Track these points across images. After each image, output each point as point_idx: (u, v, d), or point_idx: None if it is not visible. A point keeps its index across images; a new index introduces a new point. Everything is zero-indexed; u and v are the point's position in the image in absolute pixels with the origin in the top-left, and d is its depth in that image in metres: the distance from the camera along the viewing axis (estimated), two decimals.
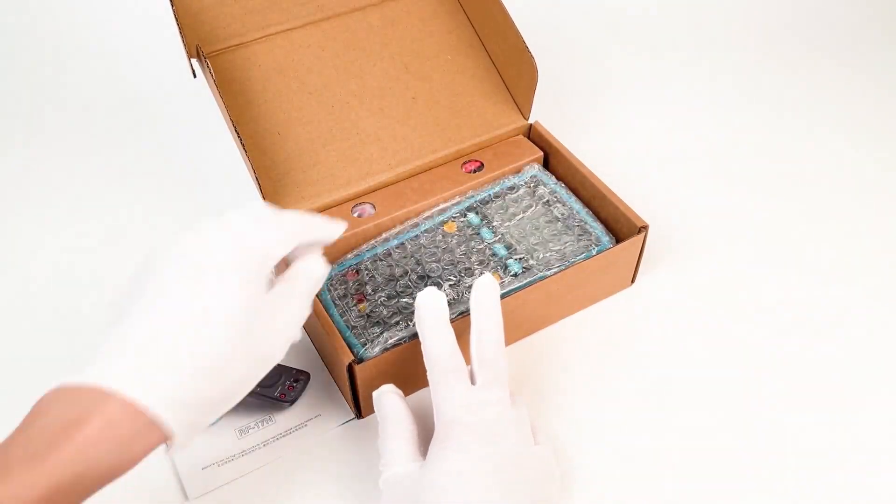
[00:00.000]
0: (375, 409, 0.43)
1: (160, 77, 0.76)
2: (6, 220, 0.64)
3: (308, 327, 0.52)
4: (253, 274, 0.36)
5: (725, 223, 0.62)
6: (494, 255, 0.52)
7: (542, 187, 0.56)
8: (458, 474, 0.38)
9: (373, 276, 0.51)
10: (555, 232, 0.53)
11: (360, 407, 0.47)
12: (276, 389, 0.48)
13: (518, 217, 0.54)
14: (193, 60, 0.55)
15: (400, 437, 0.41)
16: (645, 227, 0.51)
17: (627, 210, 0.52)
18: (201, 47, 0.52)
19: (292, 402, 0.48)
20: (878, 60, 0.82)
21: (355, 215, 0.54)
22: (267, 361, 0.36)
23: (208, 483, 0.45)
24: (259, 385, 0.48)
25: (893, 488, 0.44)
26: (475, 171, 0.57)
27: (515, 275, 0.50)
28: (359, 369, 0.44)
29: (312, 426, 0.47)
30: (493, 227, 0.53)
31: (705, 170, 0.67)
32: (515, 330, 0.51)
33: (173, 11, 0.51)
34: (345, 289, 0.51)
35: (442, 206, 0.55)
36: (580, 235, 0.52)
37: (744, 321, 0.54)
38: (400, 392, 0.43)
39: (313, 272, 0.39)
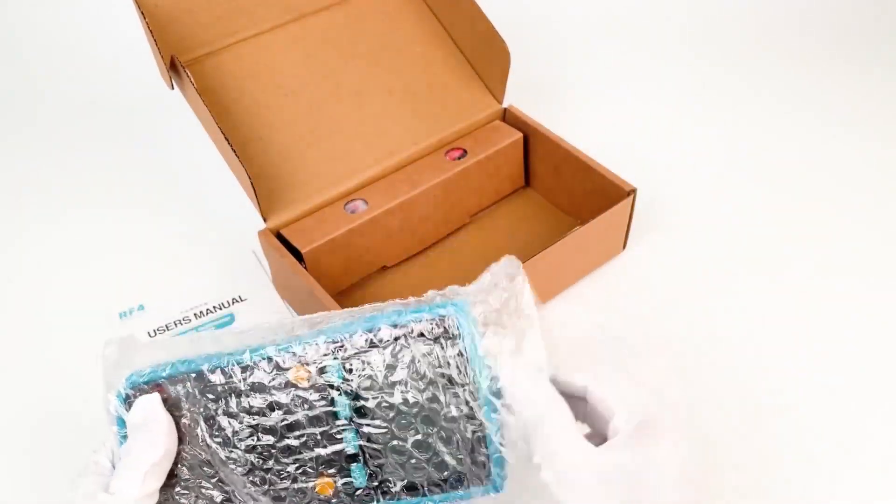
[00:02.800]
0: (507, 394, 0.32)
1: (130, 91, 0.77)
2: None
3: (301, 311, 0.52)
4: None
5: (710, 192, 0.65)
6: (338, 449, 0.33)
7: (447, 347, 0.31)
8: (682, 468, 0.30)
9: (187, 412, 0.34)
10: (430, 437, 0.32)
11: None
12: None
13: (397, 390, 0.32)
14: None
15: (565, 413, 0.30)
16: (633, 191, 0.53)
17: (614, 177, 0.54)
18: (178, 58, 0.51)
19: None
20: (858, 40, 0.87)
21: (349, 212, 0.54)
22: None
23: None
24: None
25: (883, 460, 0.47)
26: (459, 159, 0.58)
27: (352, 492, 0.33)
28: None
29: None
30: (355, 400, 0.32)
31: (686, 142, 0.70)
32: None
33: (145, 24, 0.50)
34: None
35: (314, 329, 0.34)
36: (460, 458, 0.32)
37: (733, 283, 0.56)
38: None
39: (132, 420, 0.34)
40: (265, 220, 0.52)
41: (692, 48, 0.84)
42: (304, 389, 0.33)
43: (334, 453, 0.33)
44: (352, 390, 0.32)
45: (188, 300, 0.56)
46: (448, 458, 0.32)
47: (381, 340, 0.32)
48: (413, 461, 0.33)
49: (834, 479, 0.44)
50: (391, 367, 0.32)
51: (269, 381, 0.33)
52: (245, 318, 0.54)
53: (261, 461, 0.34)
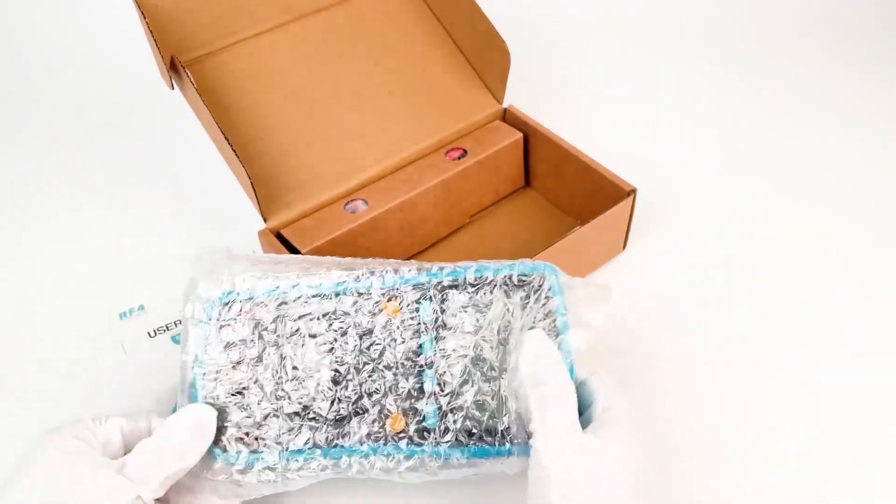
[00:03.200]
0: (527, 354, 0.35)
1: (129, 91, 0.77)
2: None
3: None
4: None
5: (710, 192, 0.64)
6: (419, 382, 0.35)
7: (546, 299, 0.36)
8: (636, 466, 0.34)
9: (268, 333, 0.36)
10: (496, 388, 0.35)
11: None
12: None
13: (479, 338, 0.35)
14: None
15: (564, 401, 0.34)
16: (633, 191, 0.53)
17: (614, 177, 0.54)
18: (178, 58, 0.51)
19: None
20: (856, 39, 0.87)
21: (349, 212, 0.54)
22: None
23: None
24: None
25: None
26: (459, 159, 0.58)
27: (424, 432, 0.35)
28: None
29: None
30: (439, 338, 0.35)
31: (686, 142, 0.70)
32: None
33: (145, 24, 0.50)
34: (227, 333, 0.36)
35: (413, 267, 0.39)
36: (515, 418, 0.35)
37: (733, 283, 0.56)
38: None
39: (178, 426, 0.36)
40: (265, 220, 0.52)
41: (692, 48, 0.84)
42: (395, 324, 0.36)
43: (412, 389, 0.35)
44: (438, 331, 0.35)
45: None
46: (511, 408, 0.35)
47: (473, 287, 0.36)
48: (479, 411, 0.35)
49: (834, 479, 0.44)
50: (478, 314, 0.35)
51: (361, 309, 0.36)
52: None
53: (339, 386, 0.35)
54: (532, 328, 0.35)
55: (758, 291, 0.56)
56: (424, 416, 0.35)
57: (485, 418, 0.35)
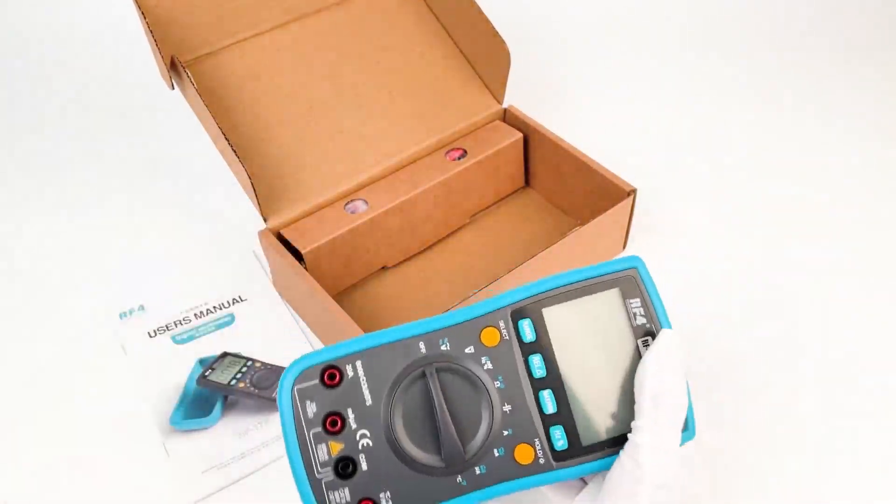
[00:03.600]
0: (655, 352, 0.33)
1: (130, 91, 0.77)
2: None
3: (308, 317, 0.52)
4: None
5: (710, 192, 0.65)
6: (539, 408, 0.33)
7: (636, 301, 0.34)
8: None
9: (360, 390, 0.32)
10: (628, 388, 0.34)
11: None
12: (274, 390, 0.48)
13: (588, 344, 0.34)
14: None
15: (678, 411, 0.32)
16: (633, 191, 0.53)
17: (614, 177, 0.54)
18: (178, 58, 0.51)
19: None
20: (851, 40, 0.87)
21: (349, 212, 0.54)
22: None
23: (208, 486, 0.44)
24: (256, 386, 0.49)
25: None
26: (459, 159, 0.58)
27: (553, 455, 0.32)
28: None
29: None
30: (549, 354, 0.33)
31: (687, 142, 0.70)
32: None
33: (145, 24, 0.50)
34: (314, 407, 0.32)
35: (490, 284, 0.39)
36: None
37: (733, 283, 0.56)
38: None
39: None
40: (265, 220, 0.52)
41: (692, 48, 0.84)
42: (496, 349, 0.33)
43: (527, 415, 0.33)
44: (545, 348, 0.33)
45: (188, 300, 0.56)
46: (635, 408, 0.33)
47: (564, 298, 0.34)
48: (603, 414, 0.33)
49: (834, 480, 0.44)
50: (581, 322, 0.33)
51: (465, 351, 0.33)
52: (245, 318, 0.55)
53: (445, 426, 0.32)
54: (662, 330, 0.34)
55: (758, 290, 0.56)
56: (553, 439, 0.33)
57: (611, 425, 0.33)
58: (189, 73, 0.50)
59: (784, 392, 0.49)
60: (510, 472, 0.32)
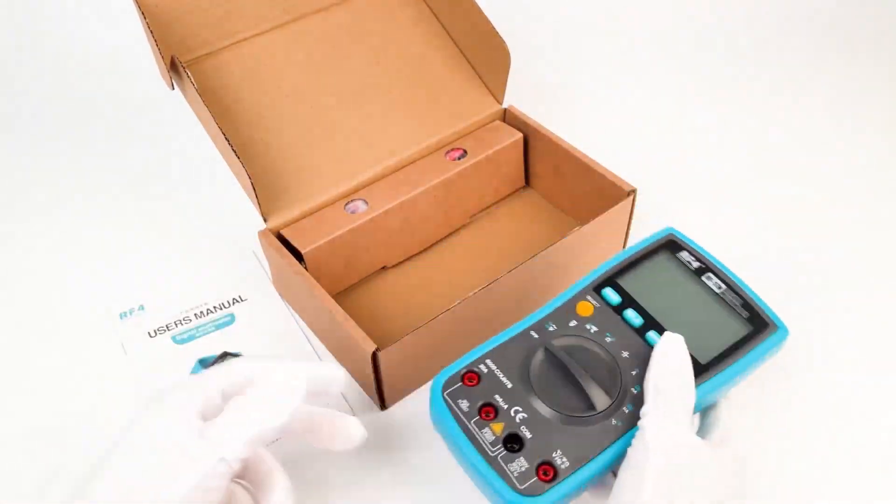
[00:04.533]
0: (661, 350, 0.37)
1: (130, 91, 0.77)
2: None
3: (308, 317, 0.52)
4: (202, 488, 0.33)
5: (711, 192, 0.65)
6: (649, 345, 0.40)
7: (685, 252, 0.44)
8: (737, 478, 0.36)
9: (498, 380, 0.39)
10: (713, 312, 0.41)
11: (383, 397, 0.47)
12: None
13: (664, 292, 0.42)
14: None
15: (684, 397, 0.36)
16: (633, 191, 0.53)
17: (614, 177, 0.54)
18: (178, 58, 0.51)
19: None
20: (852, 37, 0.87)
21: (349, 212, 0.54)
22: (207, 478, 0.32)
23: None
24: None
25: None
26: (459, 159, 0.58)
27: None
28: (383, 356, 0.44)
29: None
30: (638, 306, 0.41)
31: (687, 142, 0.71)
32: (508, 314, 0.52)
33: (145, 24, 0.50)
34: (466, 402, 0.38)
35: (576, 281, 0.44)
36: (747, 317, 0.41)
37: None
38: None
39: (286, 387, 0.35)
40: (265, 220, 0.52)
41: (691, 48, 0.84)
42: (593, 316, 0.41)
43: (646, 353, 0.39)
44: (634, 302, 0.41)
45: (188, 300, 0.56)
46: (730, 322, 0.41)
47: (629, 268, 0.43)
48: (705, 336, 0.40)
49: (833, 480, 0.44)
50: (651, 280, 0.42)
51: (569, 325, 0.41)
52: (245, 318, 0.55)
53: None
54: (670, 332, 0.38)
55: (758, 289, 0.55)
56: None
57: None
58: (189, 74, 0.50)
59: (782, 392, 0.49)
60: None
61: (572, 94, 0.77)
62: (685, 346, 0.37)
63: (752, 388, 0.49)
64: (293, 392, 0.35)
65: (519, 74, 0.62)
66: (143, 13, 0.50)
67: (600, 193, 0.56)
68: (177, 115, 0.65)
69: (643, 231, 0.59)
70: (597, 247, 0.55)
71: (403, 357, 0.45)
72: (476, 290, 0.47)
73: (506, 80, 0.60)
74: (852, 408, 0.48)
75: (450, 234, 0.60)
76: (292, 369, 0.36)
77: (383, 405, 0.48)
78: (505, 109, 0.62)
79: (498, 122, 0.61)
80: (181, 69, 0.51)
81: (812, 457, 0.46)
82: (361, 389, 0.50)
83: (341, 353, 0.50)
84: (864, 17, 0.88)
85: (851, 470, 0.45)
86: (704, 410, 0.40)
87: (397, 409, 0.49)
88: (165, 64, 0.51)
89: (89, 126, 0.75)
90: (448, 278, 0.57)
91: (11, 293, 0.58)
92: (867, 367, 0.50)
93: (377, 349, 0.43)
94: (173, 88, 0.53)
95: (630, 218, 0.55)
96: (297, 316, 0.55)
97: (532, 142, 0.60)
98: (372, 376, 0.45)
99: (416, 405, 0.49)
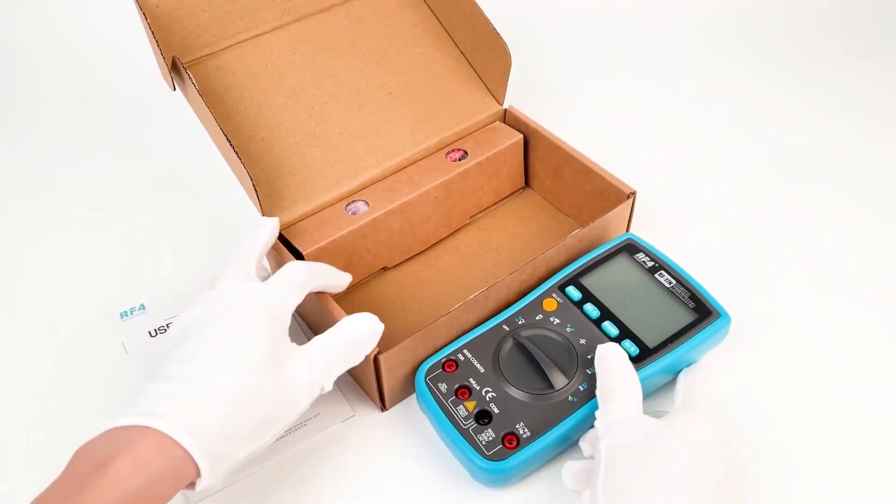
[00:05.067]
0: (598, 361, 0.43)
1: (131, 91, 0.77)
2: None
3: (309, 316, 0.53)
4: (275, 317, 0.40)
5: (712, 194, 0.65)
6: (605, 334, 0.47)
7: (641, 253, 0.51)
8: (707, 442, 0.38)
9: (474, 366, 0.46)
10: (663, 304, 0.48)
11: (383, 399, 0.48)
12: None
13: (620, 288, 0.49)
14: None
15: (627, 392, 0.41)
16: (633, 193, 0.53)
17: (614, 179, 0.54)
18: (179, 58, 0.51)
19: None
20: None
21: (349, 213, 0.54)
22: (293, 405, 0.39)
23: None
24: None
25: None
26: (460, 160, 0.58)
27: (634, 358, 0.45)
28: (384, 359, 0.44)
29: (311, 425, 0.48)
30: (597, 301, 0.48)
31: (687, 143, 0.71)
32: None
33: (147, 25, 0.50)
34: (445, 385, 0.45)
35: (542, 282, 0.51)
36: (693, 307, 0.48)
37: (734, 284, 0.56)
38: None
39: (357, 328, 0.42)
40: None
41: (692, 50, 0.84)
42: (557, 311, 0.48)
43: (600, 340, 0.46)
44: (593, 297, 0.49)
45: (189, 300, 0.56)
46: (677, 311, 0.48)
47: (592, 269, 0.50)
48: (654, 324, 0.47)
49: (832, 479, 0.45)
50: (610, 278, 0.50)
51: (536, 318, 0.48)
52: None
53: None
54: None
55: (759, 290, 0.56)
56: (627, 350, 0.46)
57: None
58: (190, 74, 0.50)
59: (780, 391, 0.49)
60: None
61: (573, 95, 0.77)
62: (620, 351, 0.43)
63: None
64: (372, 342, 0.43)
65: (519, 75, 0.62)
66: (144, 14, 0.50)
67: (600, 195, 0.56)
68: (177, 115, 0.65)
69: (643, 233, 0.59)
70: (596, 247, 0.55)
71: (403, 360, 0.46)
72: (476, 294, 0.47)
73: (506, 81, 0.60)
74: (849, 408, 0.49)
75: (450, 235, 0.60)
76: (372, 322, 0.43)
77: (384, 406, 0.48)
78: (505, 110, 0.62)
79: (498, 123, 0.62)
80: (182, 70, 0.51)
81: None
82: (362, 390, 0.50)
83: None
84: (866, 16, 0.88)
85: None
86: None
87: (397, 410, 0.49)
88: (167, 64, 0.51)
89: (89, 126, 0.75)
90: (448, 279, 0.57)
91: (12, 293, 0.59)
92: (868, 365, 0.51)
93: (378, 352, 0.44)
94: (175, 89, 0.53)
95: (630, 220, 0.56)
96: (296, 315, 0.55)
97: (532, 143, 0.61)
98: (373, 378, 0.46)
99: (417, 406, 0.49)
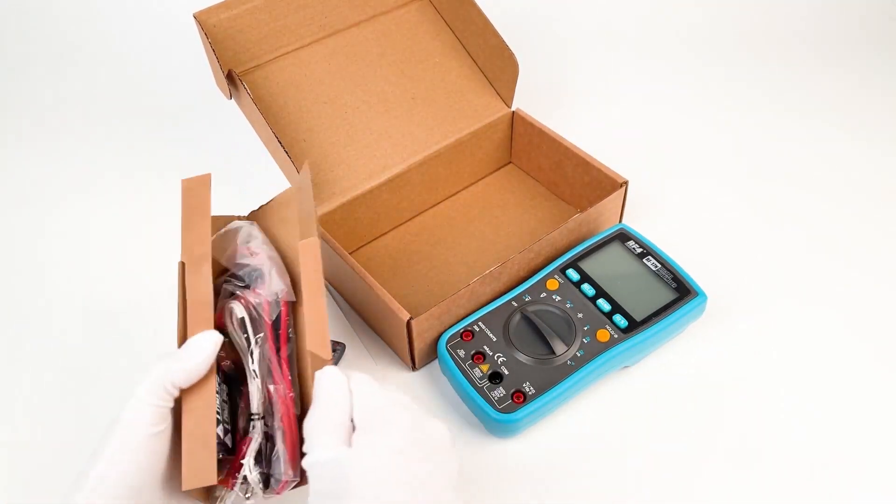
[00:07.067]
0: (315, 387, 0.39)
1: (142, 97, 0.82)
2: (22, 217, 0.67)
3: (349, 293, 0.61)
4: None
5: (707, 186, 0.70)
6: (599, 309, 0.55)
7: (632, 241, 0.59)
8: (396, 453, 0.36)
9: (487, 336, 0.54)
10: (649, 284, 0.56)
11: (414, 359, 0.56)
12: None
13: (613, 271, 0.57)
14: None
15: (329, 426, 0.37)
16: (625, 182, 0.61)
17: (609, 170, 0.62)
18: (234, 70, 0.59)
19: None
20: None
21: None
22: None
23: None
24: None
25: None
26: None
27: (621, 332, 0.53)
28: (415, 324, 0.52)
29: None
30: (592, 281, 0.57)
31: (687, 144, 0.75)
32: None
33: (208, 42, 0.58)
34: (462, 351, 0.53)
35: (545, 265, 0.58)
36: (675, 287, 0.55)
37: (733, 282, 0.61)
38: (341, 373, 0.39)
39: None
40: None
41: (687, 52, 0.88)
42: (559, 290, 0.57)
43: (595, 314, 0.55)
44: (589, 278, 0.57)
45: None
46: (661, 291, 0.56)
47: (590, 254, 0.58)
48: (642, 300, 0.55)
49: (834, 480, 0.49)
50: (605, 262, 0.58)
51: (540, 296, 0.56)
52: None
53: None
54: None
55: (733, 273, 0.62)
56: (617, 323, 0.54)
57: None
58: (245, 84, 0.58)
59: (776, 391, 0.53)
60: (598, 349, 0.53)
61: (573, 96, 0.83)
62: (335, 375, 0.39)
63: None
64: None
65: (525, 79, 0.68)
66: (205, 33, 0.59)
67: (597, 185, 0.64)
68: (186, 117, 0.69)
69: (634, 216, 0.67)
70: (593, 231, 0.63)
71: (430, 325, 0.54)
72: (490, 269, 0.55)
73: (514, 87, 0.68)
74: (848, 408, 0.53)
75: (458, 225, 0.68)
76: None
77: (414, 366, 0.57)
78: (513, 112, 0.70)
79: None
80: (237, 80, 0.59)
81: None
82: (395, 353, 0.58)
83: (376, 321, 0.58)
84: (864, 19, 0.90)
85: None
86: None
87: (422, 374, 0.57)
88: (223, 76, 0.60)
89: (92, 128, 0.78)
90: (462, 260, 0.65)
91: (13, 292, 0.61)
92: (868, 365, 0.55)
93: (411, 318, 0.52)
94: (230, 97, 0.61)
95: (623, 206, 0.64)
96: (332, 288, 0.63)
97: (537, 139, 0.68)
98: (406, 340, 0.54)
99: (439, 371, 0.56)
